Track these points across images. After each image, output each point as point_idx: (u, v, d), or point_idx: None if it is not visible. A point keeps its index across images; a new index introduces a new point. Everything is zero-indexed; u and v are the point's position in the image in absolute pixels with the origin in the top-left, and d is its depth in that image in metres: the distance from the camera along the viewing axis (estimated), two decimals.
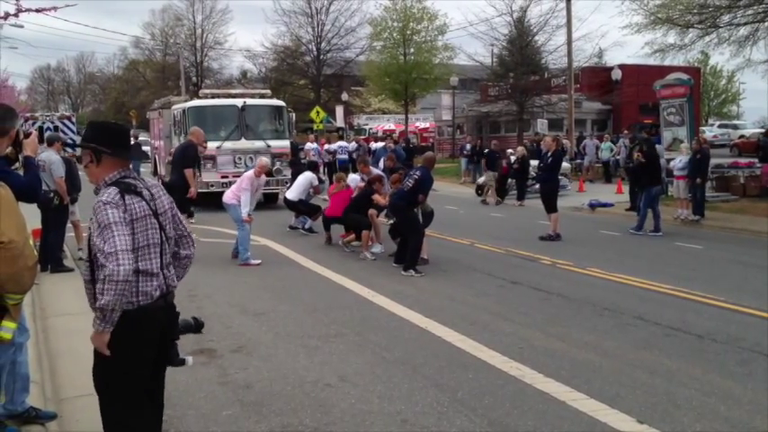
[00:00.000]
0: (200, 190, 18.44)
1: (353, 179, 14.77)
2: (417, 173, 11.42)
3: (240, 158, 19.40)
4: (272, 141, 19.85)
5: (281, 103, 22.33)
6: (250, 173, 11.86)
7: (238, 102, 20.08)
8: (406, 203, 11.28)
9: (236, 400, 5.63)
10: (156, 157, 25.19)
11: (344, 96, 49.03)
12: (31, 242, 4.10)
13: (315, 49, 50.87)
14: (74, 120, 32.54)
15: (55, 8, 6.13)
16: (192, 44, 64.89)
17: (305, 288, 9.80)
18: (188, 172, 12.33)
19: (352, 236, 12.97)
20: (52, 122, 29.77)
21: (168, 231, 3.77)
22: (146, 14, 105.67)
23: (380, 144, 29.89)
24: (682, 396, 5.70)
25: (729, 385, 5.98)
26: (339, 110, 44.39)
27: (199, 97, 21.83)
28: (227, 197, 11.89)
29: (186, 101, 22.52)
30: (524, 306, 8.81)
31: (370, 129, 49.70)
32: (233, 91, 26.28)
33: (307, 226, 15.11)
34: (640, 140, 17.09)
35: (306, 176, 15.18)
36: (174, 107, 22.01)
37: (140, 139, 35.81)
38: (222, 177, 19.06)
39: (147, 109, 32.07)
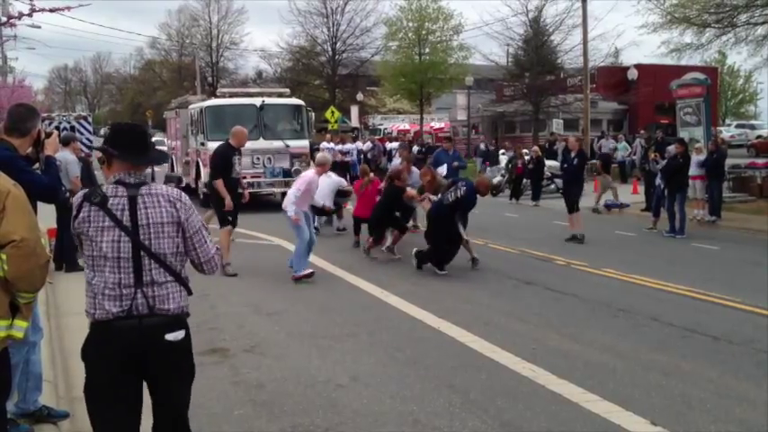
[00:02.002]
0: None
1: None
2: (463, 189, 10.67)
3: (258, 159, 18.89)
4: (290, 141, 19.26)
5: (300, 102, 21.72)
6: (310, 173, 10.57)
7: (257, 101, 19.55)
8: (443, 215, 10.67)
9: (247, 400, 5.63)
10: (173, 157, 24.90)
11: (359, 96, 49.04)
12: (44, 241, 4.12)
13: (330, 49, 50.89)
14: (90, 120, 32.67)
15: (69, 8, 6.15)
16: (207, 44, 65.14)
17: (318, 288, 9.80)
18: (218, 184, 10.52)
19: (387, 241, 12.28)
20: (69, 122, 29.88)
21: (156, 246, 3.37)
22: (162, 15, 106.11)
23: (396, 144, 29.84)
24: (696, 398, 5.65)
25: (745, 387, 5.93)
26: (354, 110, 44.42)
27: (216, 96, 21.36)
28: (286, 204, 10.36)
29: (203, 100, 22.13)
30: (538, 307, 8.77)
31: (385, 129, 49.72)
32: (251, 90, 25.78)
33: (340, 226, 14.93)
34: (674, 141, 16.90)
35: (331, 180, 13.81)
36: (191, 107, 21.66)
37: (155, 139, 35.97)
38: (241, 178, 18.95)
39: (164, 109, 31.94)
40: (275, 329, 7.68)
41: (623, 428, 5.06)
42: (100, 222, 3.34)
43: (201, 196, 18.68)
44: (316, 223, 14.42)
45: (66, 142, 10.71)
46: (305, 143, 20.21)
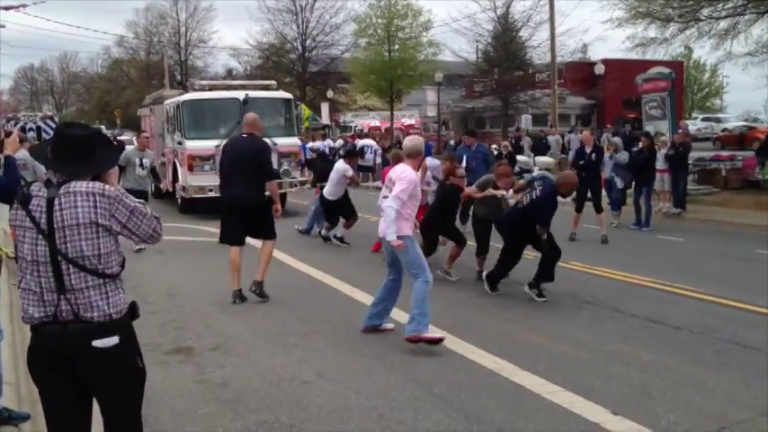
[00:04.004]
0: (196, 196, 16.76)
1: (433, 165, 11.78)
2: (539, 190, 8.85)
3: None
4: (278, 139, 16.65)
5: (288, 95, 19.65)
6: (408, 170, 7.07)
7: (240, 94, 17.45)
8: (514, 223, 8.94)
9: (212, 399, 5.62)
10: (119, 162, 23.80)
11: (330, 94, 48.99)
12: (7, 241, 4.06)
13: (300, 46, 50.78)
14: (56, 120, 32.28)
15: (24, 5, 6.06)
16: (176, 42, 64.68)
17: (285, 286, 9.77)
18: (272, 186, 8.83)
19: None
20: (35, 123, 29.51)
21: (73, 250, 3.21)
22: (129, 13, 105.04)
23: (366, 141, 29.78)
24: (657, 387, 5.74)
25: (704, 376, 6.03)
26: (325, 107, 44.33)
27: (195, 90, 19.04)
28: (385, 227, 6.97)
29: (180, 94, 20.03)
30: (505, 300, 8.83)
31: (356, 126, 49.68)
32: (234, 82, 23.73)
33: (339, 234, 13.23)
34: (641, 135, 17.00)
35: (337, 168, 13.02)
36: (166, 102, 19.69)
37: (124, 138, 35.53)
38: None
39: (133, 108, 30.58)
40: (241, 328, 7.66)
41: (584, 418, 5.13)
42: (21, 223, 3.27)
43: (180, 201, 17.77)
44: (339, 233, 13.25)
45: (22, 142, 10.63)
46: (294, 141, 18.55)
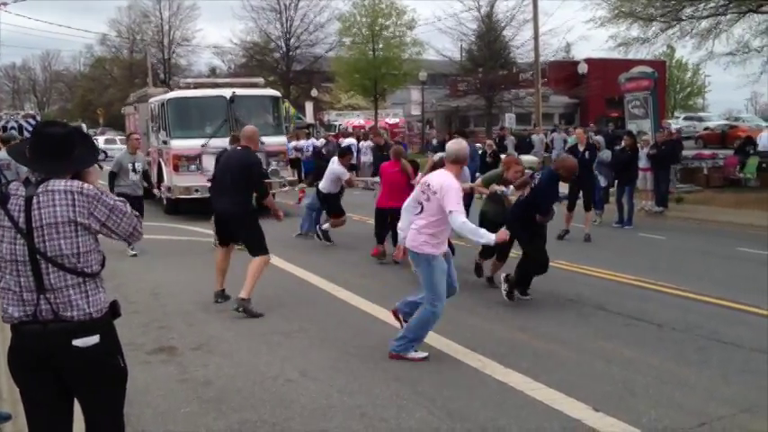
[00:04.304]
0: (181, 196, 16.46)
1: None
2: (537, 178, 8.63)
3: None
4: (266, 138, 15.54)
5: (275, 93, 19.23)
6: (449, 176, 6.39)
7: (226, 92, 17.06)
8: (516, 219, 8.44)
9: (194, 398, 5.60)
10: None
11: (314, 92, 48.89)
12: None
13: (284, 45, 50.61)
14: (38, 118, 32.04)
15: (5, 2, 6.02)
16: (159, 41, 64.45)
17: (269, 284, 9.71)
18: (268, 201, 8.63)
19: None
20: (16, 121, 29.27)
21: (52, 249, 3.19)
22: (112, 11, 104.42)
23: (350, 140, 29.74)
24: (638, 384, 5.78)
25: (685, 373, 6.08)
26: (309, 106, 44.28)
27: (180, 87, 18.57)
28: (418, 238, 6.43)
29: (166, 92, 19.49)
30: (488, 298, 8.85)
31: (340, 125, 49.62)
32: (220, 80, 23.06)
33: (324, 227, 13.02)
34: (623, 134, 17.05)
35: (333, 170, 12.72)
36: (151, 100, 19.17)
37: (106, 137, 35.18)
38: (209, 181, 16.09)
39: (116, 106, 29.77)
40: (225, 327, 7.64)
41: (566, 415, 5.16)
42: (0, 222, 3.23)
43: (165, 202, 17.50)
44: (324, 225, 13.03)
45: (6, 141, 10.54)
46: (282, 140, 18.12)
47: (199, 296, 9.05)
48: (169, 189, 16.96)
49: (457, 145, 6.64)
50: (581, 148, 13.87)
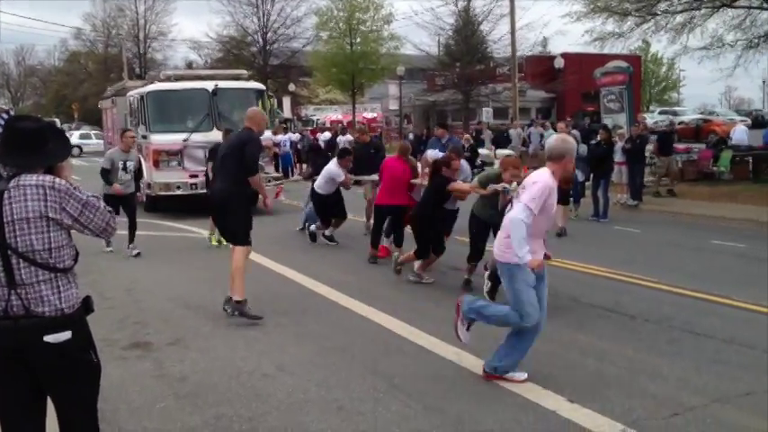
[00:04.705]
0: (161, 193, 16.02)
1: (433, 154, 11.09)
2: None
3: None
4: None
5: (260, 86, 18.57)
6: (544, 174, 5.52)
7: (209, 85, 16.55)
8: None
9: (170, 393, 5.58)
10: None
11: (292, 87, 48.76)
12: None
13: (261, 39, 50.42)
14: (12, 113, 31.63)
15: None
16: (134, 35, 64.04)
17: (247, 279, 9.70)
18: (253, 180, 7.72)
19: (409, 255, 9.54)
20: None
21: (23, 244, 3.16)
22: (87, 5, 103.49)
23: (327, 135, 29.63)
24: (611, 375, 5.84)
25: (658, 363, 6.15)
26: (286, 101, 44.14)
27: (160, 80, 17.95)
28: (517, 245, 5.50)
29: (145, 84, 18.86)
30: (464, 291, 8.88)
31: (318, 119, 49.53)
32: (202, 72, 22.45)
33: (327, 233, 12.48)
34: (599, 128, 17.18)
35: (330, 171, 12.20)
36: (129, 93, 18.58)
37: (81, 132, 34.66)
38: (191, 177, 15.90)
39: (99, 99, 28.33)
40: (201, 322, 7.62)
41: (541, 406, 5.20)
42: None
43: (145, 199, 16.97)
44: (317, 227, 12.56)
45: None
46: (268, 134, 16.89)
47: (174, 292, 9.03)
48: (149, 186, 16.60)
49: (557, 142, 5.72)
50: None
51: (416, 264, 9.46)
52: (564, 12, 46.70)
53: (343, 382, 5.74)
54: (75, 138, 43.33)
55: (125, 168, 11.58)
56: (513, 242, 5.37)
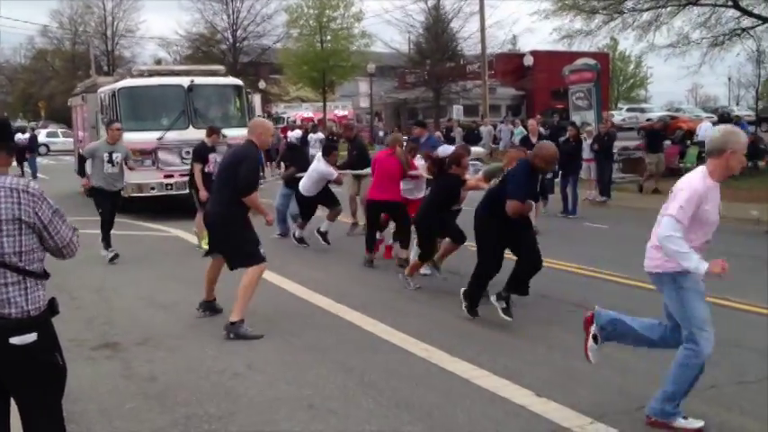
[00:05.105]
0: (134, 195, 15.33)
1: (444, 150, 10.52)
2: (508, 170, 7.67)
3: (188, 152, 14.39)
4: (228, 130, 14.09)
5: (237, 81, 17.89)
6: (698, 176, 4.79)
7: (184, 81, 15.87)
8: (482, 213, 7.55)
9: (139, 393, 5.55)
10: (81, 151, 19.92)
11: (262, 85, 48.56)
12: None
13: (231, 36, 50.18)
14: None
15: None
16: (102, 32, 63.37)
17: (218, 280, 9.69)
18: (249, 200, 7.06)
19: (415, 262, 9.02)
20: None
21: None
22: (53, 2, 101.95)
23: (297, 132, 29.55)
24: (580, 369, 5.90)
25: (625, 357, 6.22)
26: (257, 99, 43.80)
27: (133, 76, 17.04)
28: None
29: (117, 80, 17.83)
30: (434, 288, 8.93)
31: (289, 117, 49.38)
32: (177, 67, 21.42)
33: (323, 229, 11.57)
34: (567, 125, 17.37)
35: (318, 170, 11.57)
36: (100, 90, 17.60)
37: (48, 131, 34.12)
38: (166, 177, 15.36)
39: (68, 96, 27.45)
40: (170, 322, 7.58)
41: (510, 401, 5.25)
42: None
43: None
44: (323, 227, 11.69)
45: None
46: (245, 132, 16.69)
47: (144, 291, 8.97)
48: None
49: (720, 133, 4.84)
50: (533, 140, 14.11)
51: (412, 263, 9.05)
52: (533, 9, 47.08)
53: (314, 380, 5.74)
54: (42, 136, 42.76)
55: (111, 161, 10.84)
56: (677, 258, 4.66)
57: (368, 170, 11.85)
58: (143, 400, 5.42)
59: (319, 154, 11.92)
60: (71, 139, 29.43)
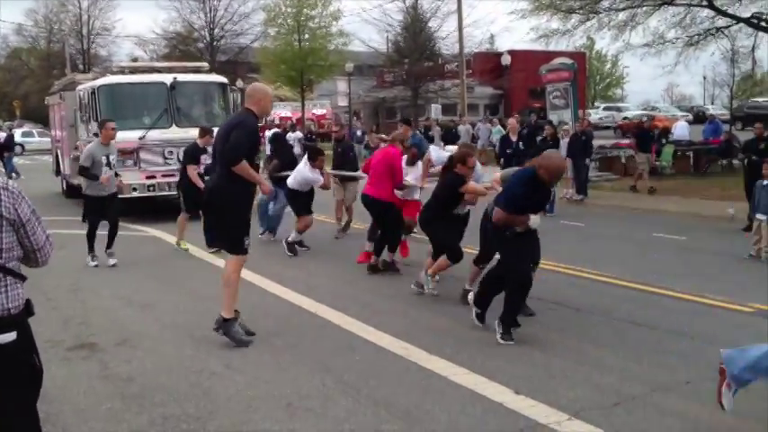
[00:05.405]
0: (121, 195, 15.47)
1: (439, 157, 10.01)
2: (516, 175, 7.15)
3: (171, 152, 14.81)
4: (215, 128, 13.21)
5: (222, 79, 17.33)
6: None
7: (167, 78, 15.44)
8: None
9: (116, 394, 5.51)
10: (59, 151, 20.25)
11: (240, 83, 48.29)
12: None
13: (208, 35, 49.95)
14: None
15: None
16: (78, 31, 62.74)
17: (194, 277, 9.66)
18: (240, 168, 6.45)
19: (442, 262, 8.39)
20: None
21: None
22: (28, 1, 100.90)
23: (275, 131, 29.40)
24: (557, 366, 5.95)
25: (602, 354, 6.29)
26: (239, 97, 43.69)
27: (113, 73, 16.65)
28: None
29: (96, 77, 17.35)
30: (413, 287, 8.93)
31: (267, 116, 49.16)
32: (159, 64, 21.05)
33: (290, 238, 11.20)
34: (545, 124, 17.50)
35: (304, 175, 11.16)
36: (79, 87, 17.12)
37: (23, 130, 33.79)
38: (148, 178, 14.98)
39: (46, 94, 26.96)
40: (148, 322, 7.53)
41: (488, 399, 5.28)
42: None
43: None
44: (291, 236, 11.27)
45: None
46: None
47: (119, 290, 8.91)
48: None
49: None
50: (513, 138, 14.19)
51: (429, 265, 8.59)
52: (510, 9, 47.28)
53: (292, 379, 5.74)
54: (17, 136, 42.25)
55: (108, 164, 10.39)
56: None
57: (357, 173, 11.77)
58: (120, 400, 5.38)
59: (305, 158, 11.47)
60: (47, 139, 29.05)
